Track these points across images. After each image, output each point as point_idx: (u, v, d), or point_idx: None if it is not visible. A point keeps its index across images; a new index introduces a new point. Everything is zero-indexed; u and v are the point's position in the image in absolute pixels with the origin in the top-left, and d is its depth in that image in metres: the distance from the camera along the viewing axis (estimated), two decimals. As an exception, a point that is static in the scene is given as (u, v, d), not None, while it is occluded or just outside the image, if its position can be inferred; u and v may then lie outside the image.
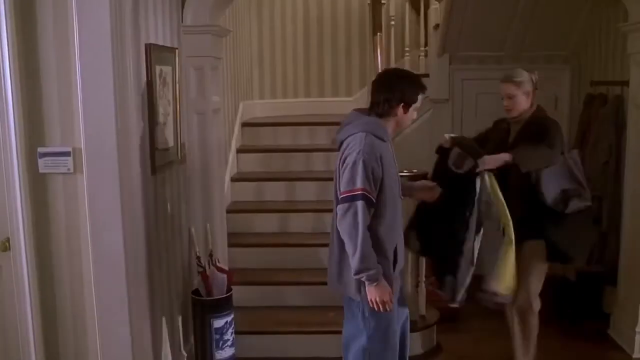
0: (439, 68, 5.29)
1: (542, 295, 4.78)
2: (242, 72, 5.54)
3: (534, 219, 3.24)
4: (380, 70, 4.60)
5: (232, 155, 4.90)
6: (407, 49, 5.54)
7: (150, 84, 2.95)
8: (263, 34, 6.15)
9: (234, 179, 4.87)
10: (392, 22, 5.45)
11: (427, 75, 5.32)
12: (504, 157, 3.12)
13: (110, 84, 2.52)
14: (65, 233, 2.69)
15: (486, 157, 3.11)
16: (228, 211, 4.50)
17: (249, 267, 4.37)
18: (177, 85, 3.37)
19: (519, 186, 3.21)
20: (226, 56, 4.64)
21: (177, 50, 3.37)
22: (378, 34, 4.89)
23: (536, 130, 3.24)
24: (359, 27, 6.11)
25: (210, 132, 3.74)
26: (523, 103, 3.35)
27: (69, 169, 2.63)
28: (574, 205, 3.21)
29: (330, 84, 6.35)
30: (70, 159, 2.62)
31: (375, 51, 4.78)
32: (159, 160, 3.09)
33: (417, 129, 5.38)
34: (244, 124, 5.33)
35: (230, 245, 4.27)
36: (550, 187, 3.18)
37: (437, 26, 5.20)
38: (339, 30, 6.13)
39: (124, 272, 2.67)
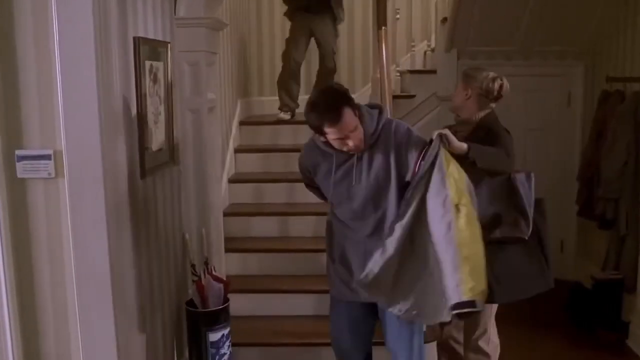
0: (447, 64, 5.06)
1: (558, 302, 4.62)
2: (240, 68, 5.32)
3: None
4: (384, 67, 4.39)
5: (229, 155, 4.69)
6: (413, 43, 5.32)
7: (139, 81, 2.73)
8: (262, 27, 5.93)
9: (231, 181, 4.65)
10: (398, 16, 5.22)
11: (434, 72, 5.12)
12: (462, 145, 2.65)
13: (93, 81, 2.29)
14: (47, 243, 2.46)
15: (445, 129, 2.67)
16: (225, 214, 4.29)
17: (247, 274, 4.17)
18: (170, 82, 3.15)
19: None
20: (223, 51, 4.42)
21: (169, 45, 3.15)
22: (383, 27, 4.66)
23: (484, 135, 2.89)
24: (362, 21, 5.88)
25: (205, 132, 3.51)
26: (458, 98, 3.04)
27: (49, 174, 2.40)
28: (503, 232, 2.76)
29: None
30: (51, 162, 2.39)
31: (380, 46, 4.55)
32: (149, 163, 2.87)
33: (425, 127, 5.16)
34: (242, 123, 5.12)
35: (227, 250, 4.06)
36: (483, 207, 2.65)
37: (444, 20, 4.98)
38: (341, 23, 5.90)
39: (109, 283, 2.45)
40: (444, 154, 2.53)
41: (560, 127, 5.21)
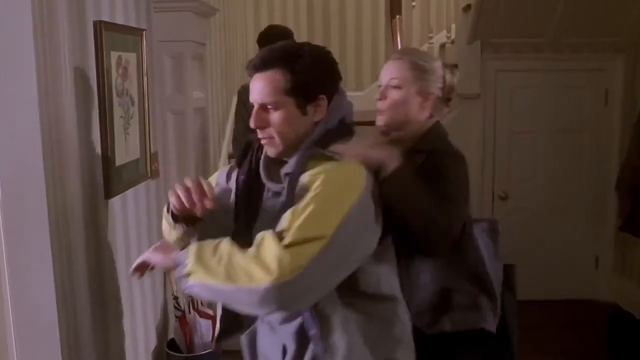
0: (469, 57, 4.48)
1: (595, 327, 4.08)
2: (235, 61, 4.74)
3: None
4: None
5: (222, 161, 4.13)
6: (430, 34, 4.75)
7: (101, 77, 2.16)
8: (260, 14, 5.36)
9: (225, 191, 4.09)
10: (414, 3, 4.66)
11: (455, 66, 4.54)
12: (386, 154, 1.58)
13: (32, 78, 1.74)
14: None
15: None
16: (217, 230, 3.73)
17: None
18: (145, 77, 2.58)
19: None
20: (215, 41, 3.87)
21: (144, 32, 2.58)
22: (397, 16, 4.11)
23: (431, 166, 1.77)
24: (371, 8, 5.32)
25: (191, 137, 2.96)
26: (410, 106, 1.85)
27: (-18, 198, 1.86)
28: (455, 322, 1.74)
29: (338, 75, 5.56)
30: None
31: (394, 37, 4.00)
32: (116, 178, 2.31)
33: (443, 129, 4.60)
34: (238, 124, 4.55)
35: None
36: (423, 281, 1.74)
37: (467, 7, 4.40)
38: (347, 11, 5.35)
39: (57, 336, 1.92)
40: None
41: (596, 129, 4.64)
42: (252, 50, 5.37)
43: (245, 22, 5.18)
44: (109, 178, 2.24)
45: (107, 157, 2.22)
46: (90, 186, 2.11)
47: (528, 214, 4.68)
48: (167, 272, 2.87)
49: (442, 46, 4.77)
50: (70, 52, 1.93)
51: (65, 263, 1.94)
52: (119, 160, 2.35)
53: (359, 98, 5.15)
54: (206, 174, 3.24)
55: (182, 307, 2.82)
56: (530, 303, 4.57)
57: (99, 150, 2.18)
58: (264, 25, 5.42)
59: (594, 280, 4.72)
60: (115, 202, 2.34)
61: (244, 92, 3.54)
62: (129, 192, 2.48)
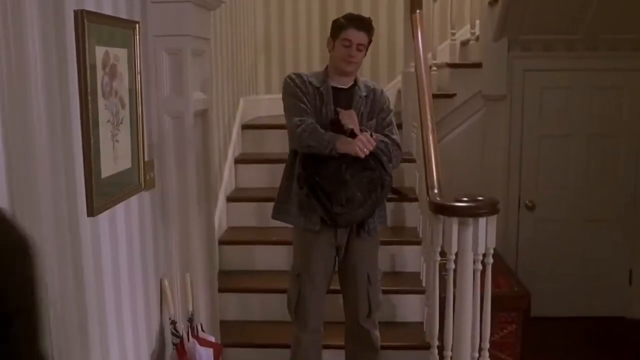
0: (495, 56, 4.21)
1: (630, 353, 3.78)
2: (242, 59, 4.45)
3: None
4: (421, 59, 3.53)
5: (228, 167, 3.83)
6: (452, 30, 4.43)
7: (82, 75, 1.86)
8: (270, 8, 5.06)
9: (230, 199, 3.79)
10: (436, -3, 4.35)
11: (479, 65, 4.24)
12: None
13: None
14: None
15: None
16: (221, 242, 3.46)
17: (247, 320, 3.33)
18: (139, 76, 2.29)
19: None
20: (220, 37, 3.57)
21: (137, 25, 2.29)
22: (418, 11, 3.80)
23: None
24: (387, 2, 5.02)
25: (191, 142, 2.65)
26: None
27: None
28: None
29: (352, 74, 5.25)
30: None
31: (415, 34, 3.68)
32: (102, 192, 2.01)
33: (466, 132, 4.31)
34: (245, 126, 4.26)
35: (222, 290, 3.19)
36: None
37: (494, 1, 4.09)
38: (363, 4, 5.04)
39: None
40: None
41: (633, 134, 4.34)
42: (262, 44, 5.08)
43: (254, 16, 4.88)
44: (92, 193, 1.94)
45: (90, 169, 1.92)
46: (68, 203, 1.81)
47: (556, 224, 4.39)
48: (163, 293, 2.58)
49: (465, 43, 4.46)
50: (41, 46, 1.64)
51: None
52: (106, 172, 2.05)
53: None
54: (208, 181, 2.94)
55: (181, 334, 2.52)
56: (558, 320, 4.29)
57: (79, 161, 1.88)
58: (274, 20, 5.14)
59: (628, 296, 4.43)
60: (102, 219, 2.04)
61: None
62: (119, 207, 2.18)
